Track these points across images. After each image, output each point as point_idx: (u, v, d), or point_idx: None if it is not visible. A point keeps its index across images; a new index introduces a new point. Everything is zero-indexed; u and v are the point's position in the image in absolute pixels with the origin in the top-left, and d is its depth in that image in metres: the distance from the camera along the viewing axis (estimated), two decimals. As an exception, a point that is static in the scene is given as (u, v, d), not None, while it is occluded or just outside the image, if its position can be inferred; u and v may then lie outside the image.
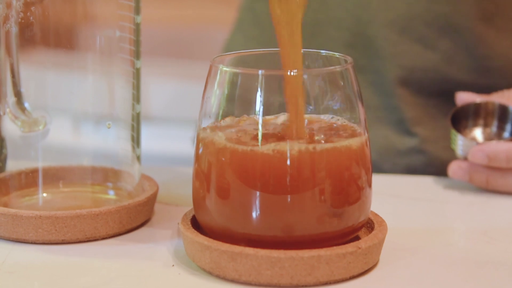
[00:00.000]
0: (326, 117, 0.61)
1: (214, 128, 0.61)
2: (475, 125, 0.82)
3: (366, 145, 0.62)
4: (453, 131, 0.80)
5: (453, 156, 0.82)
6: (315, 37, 0.94)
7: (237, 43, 1.02)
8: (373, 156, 0.87)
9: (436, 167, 0.91)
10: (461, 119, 0.82)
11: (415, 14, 0.90)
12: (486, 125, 0.82)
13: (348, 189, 0.60)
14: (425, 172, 0.90)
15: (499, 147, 0.77)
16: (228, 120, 0.61)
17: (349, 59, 0.62)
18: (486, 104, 0.82)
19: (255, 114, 0.59)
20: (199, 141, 0.62)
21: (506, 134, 0.81)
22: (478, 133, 0.82)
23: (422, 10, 0.90)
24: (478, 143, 0.79)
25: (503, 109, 0.81)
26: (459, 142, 0.80)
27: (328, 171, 0.59)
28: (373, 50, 0.91)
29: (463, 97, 0.83)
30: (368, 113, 0.91)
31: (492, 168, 0.78)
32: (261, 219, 0.59)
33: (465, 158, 0.80)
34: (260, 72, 0.59)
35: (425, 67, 0.90)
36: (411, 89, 0.91)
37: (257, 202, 0.59)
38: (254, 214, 0.59)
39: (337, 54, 0.63)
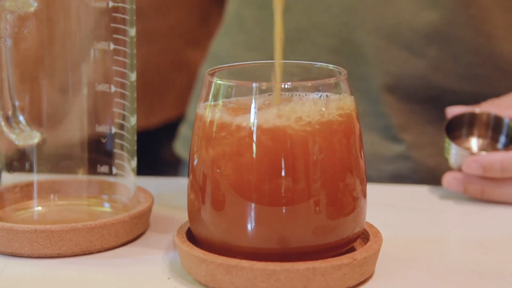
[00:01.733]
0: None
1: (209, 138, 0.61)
2: (469, 135, 0.82)
3: (361, 156, 0.62)
4: (447, 140, 0.80)
5: (439, 163, 0.82)
6: (300, 43, 0.93)
7: (224, 48, 1.02)
8: None
9: (422, 174, 0.91)
10: (455, 128, 0.82)
11: (403, 20, 0.90)
12: (480, 136, 0.82)
13: (343, 200, 0.60)
14: (411, 179, 0.90)
15: (493, 157, 0.77)
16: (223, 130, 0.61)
17: (343, 71, 0.63)
18: (481, 114, 0.82)
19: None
20: (193, 152, 0.62)
21: (499, 146, 0.81)
22: (472, 143, 0.82)
23: (409, 17, 0.90)
24: (471, 153, 0.79)
25: (498, 121, 0.81)
26: (453, 151, 0.80)
27: (323, 181, 0.59)
28: (360, 56, 0.91)
29: (454, 111, 0.83)
30: None
31: (486, 178, 0.78)
32: (256, 231, 0.59)
33: (459, 168, 0.80)
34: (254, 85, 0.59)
35: (412, 74, 0.90)
36: (398, 95, 0.91)
37: (252, 214, 0.59)
38: (249, 226, 0.59)
39: (331, 66, 0.64)
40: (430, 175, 0.89)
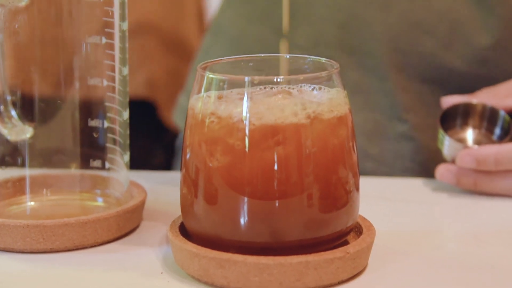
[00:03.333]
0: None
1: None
2: (464, 125, 0.82)
3: (353, 149, 0.62)
4: (441, 131, 0.80)
5: None
6: (306, 17, 0.92)
7: (226, 19, 1.00)
8: (361, 140, 0.87)
9: (424, 155, 0.90)
10: (450, 119, 0.82)
11: None
12: (475, 127, 0.82)
13: (335, 193, 0.60)
14: (413, 159, 0.89)
15: (487, 150, 0.77)
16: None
17: (336, 64, 0.62)
18: (477, 105, 0.81)
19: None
20: (186, 146, 0.62)
21: (494, 137, 0.81)
22: (467, 134, 0.82)
23: None
24: (465, 146, 0.79)
25: (493, 112, 0.81)
26: (446, 143, 0.80)
27: (315, 175, 0.59)
28: (368, 32, 0.90)
29: (449, 101, 0.82)
30: (359, 96, 0.90)
31: (480, 171, 0.78)
32: (249, 225, 0.59)
33: (452, 159, 0.80)
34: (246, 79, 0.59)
35: (422, 52, 0.89)
36: (406, 74, 0.89)
37: (245, 208, 0.59)
38: (242, 220, 0.59)
39: (323, 60, 0.63)
40: (431, 158, 0.88)
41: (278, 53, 0.90)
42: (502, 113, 0.80)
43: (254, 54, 0.64)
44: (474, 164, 0.77)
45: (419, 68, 0.90)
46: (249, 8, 0.97)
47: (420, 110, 0.90)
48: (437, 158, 0.84)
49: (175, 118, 1.07)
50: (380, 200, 0.78)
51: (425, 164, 0.89)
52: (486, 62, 0.89)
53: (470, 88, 0.86)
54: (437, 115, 0.83)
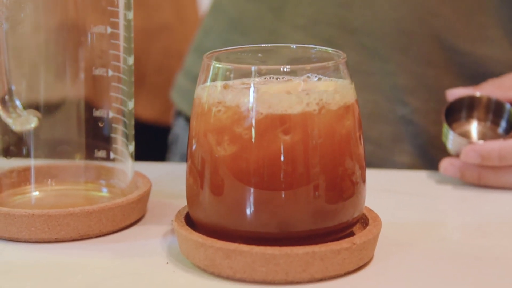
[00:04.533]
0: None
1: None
2: (469, 118, 0.82)
3: (360, 141, 0.61)
4: (445, 125, 0.80)
5: (441, 131, 0.81)
6: None
7: (225, 4, 0.99)
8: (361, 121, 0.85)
9: (423, 140, 0.89)
10: (455, 111, 0.82)
11: None
12: (480, 119, 0.82)
13: (342, 184, 0.60)
14: (411, 143, 0.89)
15: (491, 146, 0.77)
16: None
17: (342, 54, 0.62)
18: (482, 98, 0.81)
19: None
20: (192, 136, 0.62)
21: (500, 130, 0.81)
22: (472, 126, 0.82)
23: None
24: (469, 142, 0.78)
25: (499, 105, 0.80)
26: (450, 137, 0.79)
27: (322, 166, 0.59)
28: (371, 12, 0.88)
29: (455, 93, 0.82)
30: (360, 77, 0.89)
31: (484, 166, 0.78)
32: (255, 216, 0.59)
33: (456, 153, 0.80)
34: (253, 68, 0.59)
35: (426, 33, 0.88)
36: (409, 56, 0.88)
37: (251, 198, 0.59)
38: (248, 211, 0.59)
39: (330, 50, 0.63)
40: (430, 142, 0.87)
41: (277, 33, 0.89)
42: (508, 106, 0.80)
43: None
44: (479, 159, 0.77)
45: (423, 50, 0.88)
46: None
47: (422, 94, 0.89)
48: (436, 142, 0.84)
49: (173, 97, 1.06)
50: (385, 192, 0.78)
51: (424, 148, 0.88)
52: (487, 40, 0.88)
53: (474, 70, 0.85)
54: (439, 99, 0.82)
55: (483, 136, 0.81)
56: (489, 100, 0.81)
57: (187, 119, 1.02)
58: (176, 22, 1.44)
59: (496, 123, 0.81)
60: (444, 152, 0.82)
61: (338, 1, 0.89)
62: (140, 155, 0.78)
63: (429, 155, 0.87)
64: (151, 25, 1.41)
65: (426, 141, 0.88)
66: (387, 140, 0.89)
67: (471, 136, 0.81)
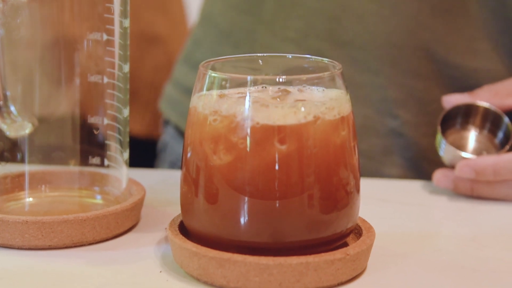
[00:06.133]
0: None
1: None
2: (465, 125, 0.82)
3: (354, 151, 0.62)
4: (439, 133, 0.80)
5: (432, 144, 0.81)
6: (296, 9, 0.90)
7: (216, 9, 0.98)
8: None
9: (413, 152, 0.89)
10: (450, 118, 0.81)
11: None
12: (476, 128, 0.81)
13: (336, 195, 0.60)
14: (401, 156, 0.89)
15: (485, 162, 0.77)
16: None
17: (338, 65, 0.62)
18: (479, 107, 0.81)
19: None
20: (187, 145, 0.62)
21: (496, 141, 0.81)
22: (467, 135, 0.82)
23: None
24: (461, 155, 0.78)
25: (497, 117, 0.80)
26: (442, 146, 0.80)
27: (316, 176, 0.59)
28: (361, 25, 0.88)
29: (451, 100, 0.82)
30: (350, 90, 0.88)
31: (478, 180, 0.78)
32: (249, 225, 0.59)
33: (448, 162, 0.80)
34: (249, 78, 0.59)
35: (415, 46, 0.88)
36: (399, 68, 0.88)
37: (246, 208, 0.59)
38: (242, 220, 0.59)
39: (325, 60, 0.63)
40: (421, 155, 0.88)
41: (268, 46, 0.89)
42: (506, 120, 0.80)
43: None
44: (473, 174, 0.77)
45: (413, 63, 0.88)
46: None
47: (412, 106, 0.89)
48: (427, 155, 0.84)
49: (161, 107, 1.06)
50: (379, 202, 0.78)
51: (414, 161, 0.88)
52: (476, 53, 0.88)
53: (463, 82, 0.85)
54: (429, 112, 0.82)
55: (478, 145, 0.81)
56: (486, 110, 0.81)
57: (176, 128, 1.02)
58: (167, 35, 1.44)
59: (493, 132, 0.81)
60: (435, 164, 0.83)
61: (328, 15, 0.89)
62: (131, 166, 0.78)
63: (420, 168, 0.87)
64: (143, 37, 1.41)
65: (417, 154, 0.88)
66: (377, 153, 0.89)
67: (465, 145, 0.81)
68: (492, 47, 0.88)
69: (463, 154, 0.79)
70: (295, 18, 0.90)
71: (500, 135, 0.81)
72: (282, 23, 0.91)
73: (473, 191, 0.78)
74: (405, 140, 0.89)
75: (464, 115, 0.82)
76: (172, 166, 1.02)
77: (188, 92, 0.63)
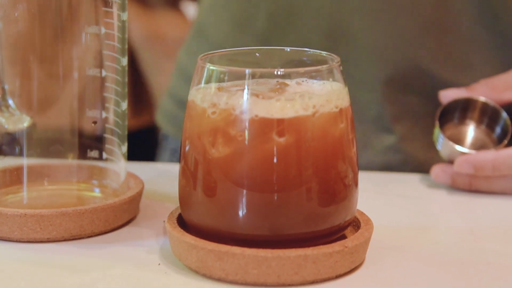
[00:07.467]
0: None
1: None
2: (463, 120, 0.82)
3: (353, 144, 0.62)
4: (437, 127, 0.80)
5: (430, 156, 0.82)
6: (290, 26, 0.91)
7: (210, 23, 0.98)
8: None
9: (412, 166, 0.90)
10: (448, 112, 0.82)
11: (401, 8, 0.88)
12: (474, 122, 0.81)
13: (334, 187, 0.60)
14: (401, 171, 0.90)
15: (484, 157, 0.77)
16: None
17: (336, 58, 0.62)
18: (477, 102, 0.81)
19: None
20: (185, 138, 0.62)
21: (494, 136, 0.81)
22: (465, 129, 0.82)
23: (408, 5, 0.88)
24: (459, 150, 0.78)
25: (495, 112, 0.80)
26: (440, 140, 0.80)
27: (315, 169, 0.59)
28: (355, 43, 0.89)
29: (449, 95, 0.82)
30: None
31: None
32: (247, 218, 0.59)
33: (445, 156, 0.80)
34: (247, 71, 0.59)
35: (409, 63, 0.89)
36: (394, 85, 0.89)
37: (244, 200, 0.59)
38: (241, 213, 0.59)
39: (324, 53, 0.63)
40: (420, 168, 0.88)
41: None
42: (504, 115, 0.80)
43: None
44: (472, 170, 0.77)
45: (406, 79, 0.89)
46: (231, 13, 0.95)
47: (408, 121, 0.90)
48: (425, 168, 0.84)
49: (158, 120, 1.06)
50: (377, 194, 0.78)
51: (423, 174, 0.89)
52: (470, 68, 0.89)
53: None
54: (425, 125, 0.83)
55: (476, 140, 0.81)
56: (485, 104, 0.81)
57: (175, 141, 1.03)
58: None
59: (490, 127, 0.81)
60: None
61: (323, 32, 0.90)
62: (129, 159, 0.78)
63: None
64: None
65: (416, 168, 0.89)
66: (376, 168, 0.89)
67: (463, 140, 0.81)
68: (486, 61, 0.89)
69: (461, 148, 0.79)
70: (291, 36, 0.91)
71: (498, 129, 0.81)
72: (278, 41, 0.91)
73: (472, 186, 0.78)
74: (403, 155, 0.90)
75: (462, 110, 0.82)
76: (174, 153, 1.02)
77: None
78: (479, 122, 0.81)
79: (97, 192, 0.72)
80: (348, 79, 0.89)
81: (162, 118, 1.05)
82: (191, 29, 1.04)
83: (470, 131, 0.82)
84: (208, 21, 0.99)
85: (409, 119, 0.90)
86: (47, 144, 0.72)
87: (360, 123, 0.90)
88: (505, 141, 0.79)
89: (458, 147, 0.79)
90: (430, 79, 0.89)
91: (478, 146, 0.80)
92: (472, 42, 0.89)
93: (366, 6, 0.89)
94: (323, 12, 0.90)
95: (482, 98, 0.81)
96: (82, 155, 0.72)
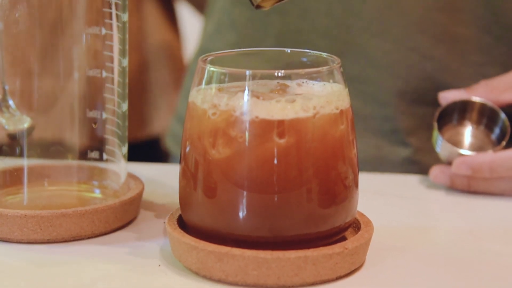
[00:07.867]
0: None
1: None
2: (462, 121, 0.82)
3: (353, 145, 0.62)
4: (436, 129, 0.80)
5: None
6: (298, 45, 0.90)
7: (216, 46, 0.98)
8: (365, 167, 0.86)
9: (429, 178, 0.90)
10: (447, 114, 0.82)
11: (410, 22, 0.88)
12: (472, 123, 0.82)
13: (335, 189, 0.60)
14: None
15: (482, 159, 0.77)
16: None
17: (337, 59, 0.62)
18: (475, 103, 0.81)
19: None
20: (185, 139, 0.62)
21: (493, 136, 0.81)
22: (464, 130, 0.82)
23: (417, 18, 0.88)
24: (458, 151, 0.78)
25: (493, 113, 0.80)
26: (439, 142, 0.80)
27: (315, 170, 0.59)
28: (365, 59, 0.89)
29: (448, 96, 0.82)
30: (360, 123, 0.90)
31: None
32: (247, 219, 0.59)
33: (444, 158, 0.80)
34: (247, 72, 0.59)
35: (421, 76, 0.89)
36: (407, 98, 0.90)
37: (244, 202, 0.59)
38: (241, 214, 0.59)
39: (324, 54, 0.63)
40: None
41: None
42: (502, 115, 0.80)
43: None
44: (470, 172, 0.77)
45: (419, 92, 0.89)
46: (237, 37, 0.95)
47: (422, 134, 0.90)
48: None
49: (167, 144, 1.06)
50: (378, 196, 0.78)
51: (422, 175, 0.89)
52: (483, 78, 0.88)
53: None
54: None
55: (475, 141, 0.81)
56: (483, 106, 0.81)
57: None
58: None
59: (489, 128, 0.81)
60: None
61: (333, 51, 0.89)
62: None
63: None
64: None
65: None
66: None
67: (462, 141, 0.81)
68: (500, 70, 0.88)
69: (460, 150, 0.79)
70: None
71: (497, 131, 0.81)
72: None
73: (470, 187, 0.78)
74: (419, 167, 0.90)
75: (460, 111, 0.82)
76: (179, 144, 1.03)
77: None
78: (477, 123, 0.82)
79: (97, 193, 0.72)
80: (361, 96, 0.90)
81: (171, 142, 1.05)
82: (194, 53, 1.03)
83: (469, 132, 0.82)
84: (213, 46, 0.99)
85: (424, 130, 0.90)
86: (47, 144, 0.72)
87: (376, 137, 0.90)
88: (504, 142, 0.79)
89: (457, 149, 0.79)
90: (442, 89, 0.89)
91: (476, 147, 0.81)
92: (484, 52, 0.89)
93: (374, 24, 0.89)
94: (331, 34, 0.90)
95: (480, 99, 0.81)
96: (83, 155, 0.72)
